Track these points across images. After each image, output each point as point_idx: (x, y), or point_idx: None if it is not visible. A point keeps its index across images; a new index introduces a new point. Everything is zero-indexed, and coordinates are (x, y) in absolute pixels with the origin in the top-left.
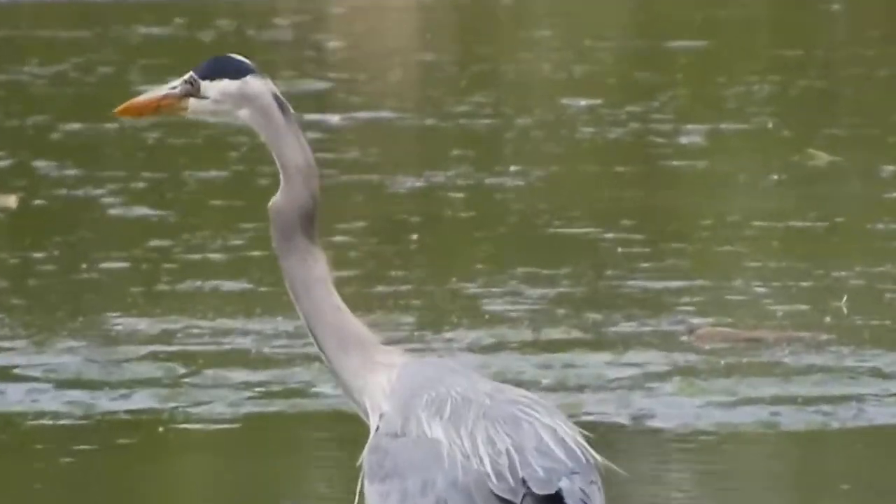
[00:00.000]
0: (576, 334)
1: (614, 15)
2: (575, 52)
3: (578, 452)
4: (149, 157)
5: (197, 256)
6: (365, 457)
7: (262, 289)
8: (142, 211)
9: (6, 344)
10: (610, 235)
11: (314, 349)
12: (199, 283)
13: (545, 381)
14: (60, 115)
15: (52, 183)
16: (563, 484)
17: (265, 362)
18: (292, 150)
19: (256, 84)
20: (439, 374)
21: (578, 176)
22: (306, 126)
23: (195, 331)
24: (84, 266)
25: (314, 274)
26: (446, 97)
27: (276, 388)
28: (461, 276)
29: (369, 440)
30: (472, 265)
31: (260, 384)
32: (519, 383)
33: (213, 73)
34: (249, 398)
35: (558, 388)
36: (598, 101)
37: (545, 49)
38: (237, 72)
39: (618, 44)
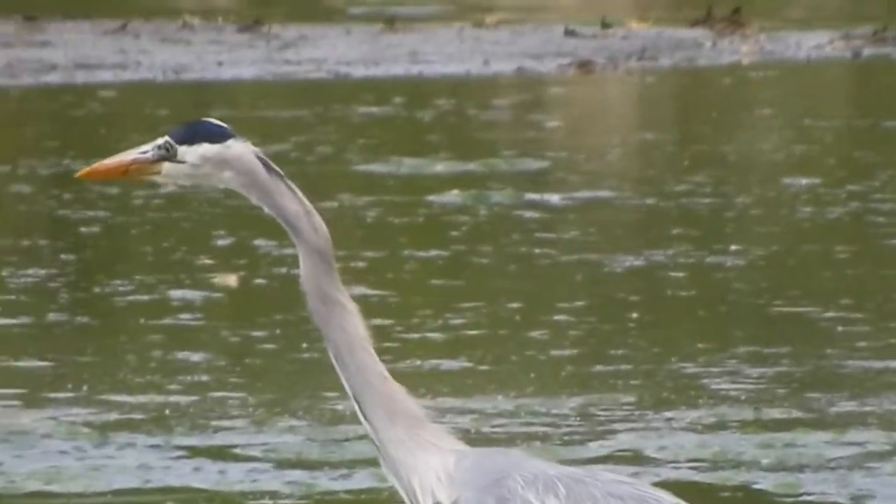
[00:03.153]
0: (796, 414)
1: (834, 94)
2: (795, 131)
3: None
4: (368, 236)
5: (416, 336)
6: None
7: (482, 367)
8: (361, 290)
9: (226, 423)
10: (830, 314)
11: (534, 428)
12: (418, 362)
13: (765, 461)
14: None
15: (273, 262)
16: None
17: (485, 441)
18: (287, 200)
19: (238, 147)
20: (511, 460)
21: (798, 255)
22: (527, 206)
23: None
24: (304, 345)
25: (358, 335)
26: (666, 176)
27: None
28: (681, 355)
29: None
30: (692, 344)
31: None
32: (739, 463)
33: (192, 138)
34: None
35: (778, 467)
36: (818, 181)
37: (765, 128)
38: (217, 136)
39: (837, 123)
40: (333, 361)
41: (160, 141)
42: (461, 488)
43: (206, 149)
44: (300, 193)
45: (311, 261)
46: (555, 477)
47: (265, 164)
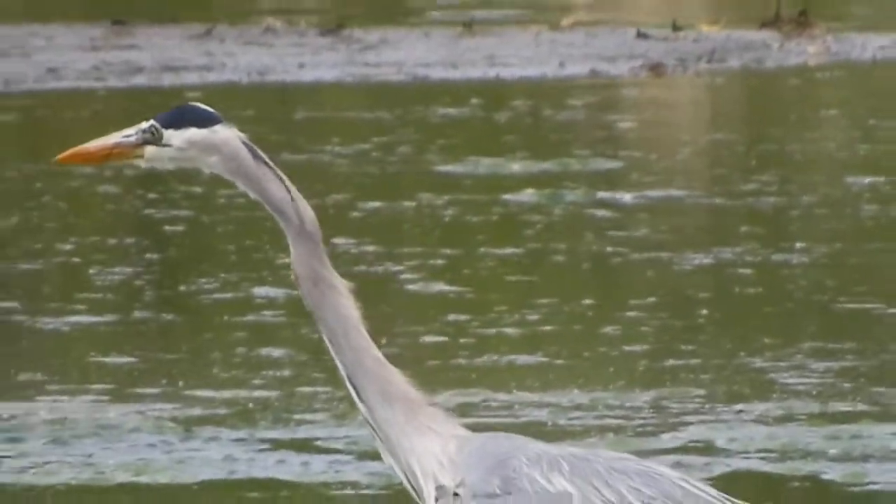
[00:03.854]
0: (862, 406)
1: None
2: (860, 130)
3: (727, 502)
4: (446, 235)
5: (493, 331)
6: None
7: (558, 362)
8: (439, 287)
9: (308, 416)
10: (894, 311)
11: (608, 420)
12: (495, 357)
13: (832, 452)
14: (361, 194)
15: (352, 260)
16: None
17: (561, 434)
18: (273, 185)
19: (225, 132)
20: (514, 443)
21: (863, 253)
22: (599, 204)
23: (492, 404)
24: (383, 341)
25: (352, 317)
26: (734, 176)
27: None
28: (750, 350)
29: None
30: (760, 340)
31: None
32: (807, 454)
33: (178, 122)
34: None
35: (844, 458)
36: (883, 179)
37: (831, 128)
38: (205, 121)
39: None
40: (327, 344)
41: (145, 125)
42: (465, 471)
43: (192, 133)
44: (286, 180)
45: (301, 245)
46: (559, 455)
47: (251, 151)
